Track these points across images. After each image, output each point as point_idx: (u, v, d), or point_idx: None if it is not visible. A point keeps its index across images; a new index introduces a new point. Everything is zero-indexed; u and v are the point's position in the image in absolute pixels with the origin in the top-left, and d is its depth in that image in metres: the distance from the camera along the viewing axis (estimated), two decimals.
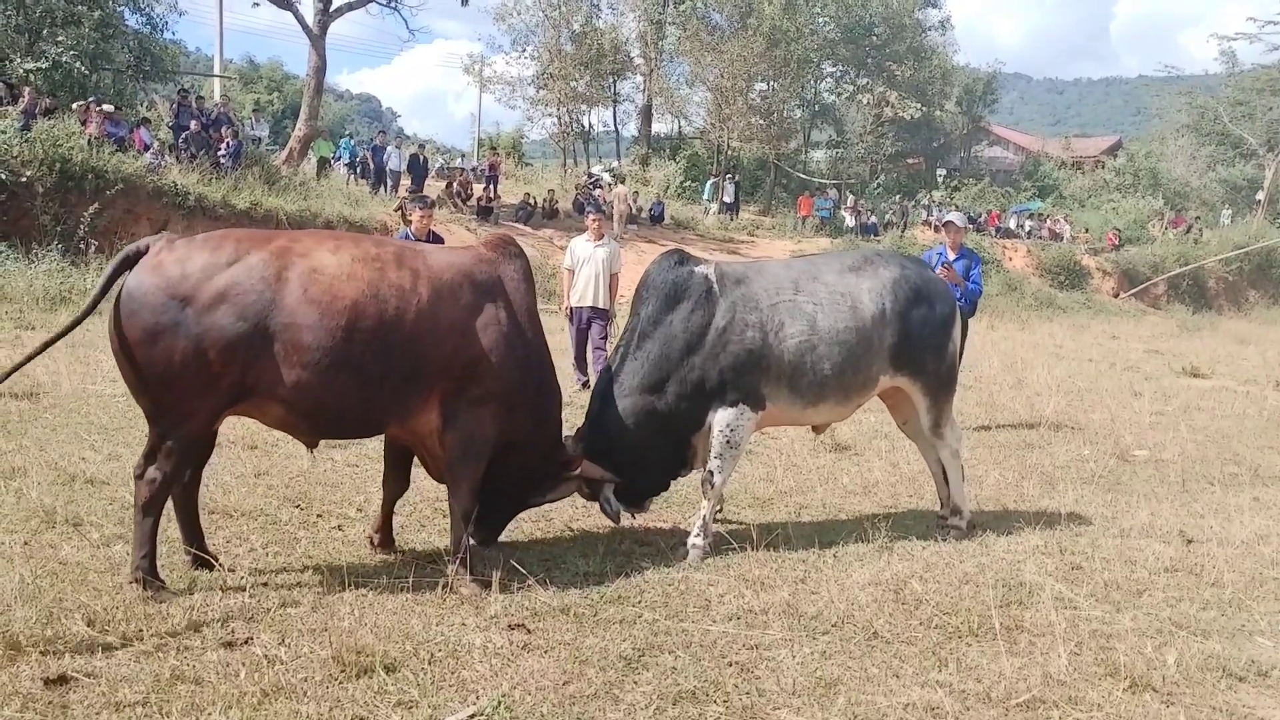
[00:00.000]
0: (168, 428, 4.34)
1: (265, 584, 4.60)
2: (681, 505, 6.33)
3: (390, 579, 4.66)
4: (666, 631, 4.27)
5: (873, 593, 4.71)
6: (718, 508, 5.78)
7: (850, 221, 35.12)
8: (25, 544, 4.90)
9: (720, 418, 5.35)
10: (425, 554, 5.19)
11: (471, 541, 4.90)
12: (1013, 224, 39.80)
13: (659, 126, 43.16)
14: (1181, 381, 14.33)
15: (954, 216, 10.25)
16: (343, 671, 3.67)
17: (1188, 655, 4.16)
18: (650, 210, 31.42)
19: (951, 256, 9.15)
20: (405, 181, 26.45)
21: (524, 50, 40.13)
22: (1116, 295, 32.86)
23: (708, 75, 37.63)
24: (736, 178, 36.07)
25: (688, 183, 37.92)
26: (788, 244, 32.79)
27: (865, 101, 41.84)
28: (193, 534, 4.80)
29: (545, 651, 4.01)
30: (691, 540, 5.33)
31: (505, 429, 4.84)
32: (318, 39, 26.26)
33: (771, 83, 39.20)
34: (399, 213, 20.05)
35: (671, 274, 5.47)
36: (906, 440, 8.53)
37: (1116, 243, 36.06)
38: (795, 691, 3.75)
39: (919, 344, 5.74)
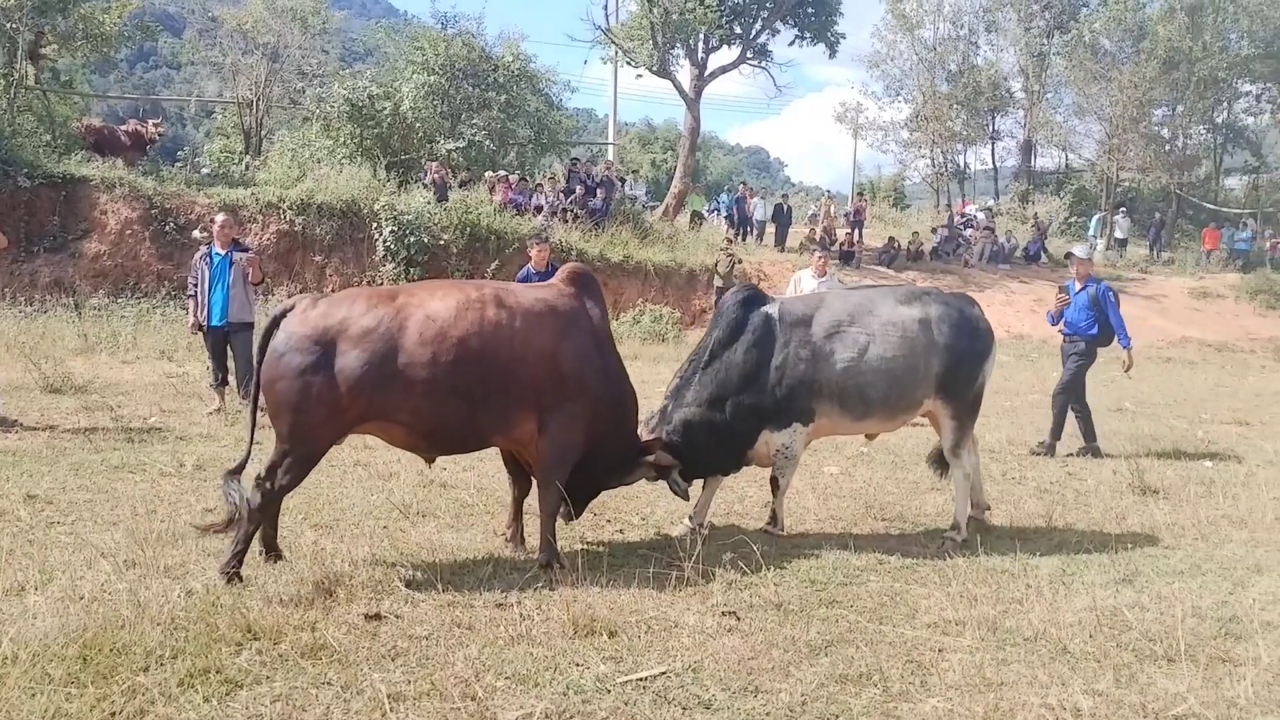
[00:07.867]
0: (294, 445, 5.17)
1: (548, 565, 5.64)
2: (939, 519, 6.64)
3: (639, 568, 5.51)
4: (862, 630, 4.74)
5: (1082, 616, 4.84)
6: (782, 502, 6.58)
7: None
8: (385, 528, 6.34)
9: (776, 440, 6.28)
10: (667, 549, 5.96)
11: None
12: None
13: (1042, 161, 41.42)
14: None
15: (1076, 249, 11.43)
16: (575, 631, 4.56)
17: None
18: (1026, 248, 30.36)
19: (1077, 287, 10.23)
20: (770, 229, 27.77)
21: (897, 94, 40.40)
22: None
23: (1096, 104, 35.64)
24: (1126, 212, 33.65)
25: (1073, 218, 36.02)
26: (1187, 280, 30.14)
27: None
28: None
29: (745, 635, 4.65)
30: (767, 525, 6.51)
31: (590, 433, 5.67)
32: (693, 102, 28.52)
33: (1173, 107, 36.24)
34: (715, 265, 21.76)
35: (738, 310, 6.30)
36: (1225, 487, 8.12)
37: None
38: (954, 686, 4.10)
39: (957, 373, 6.40)
